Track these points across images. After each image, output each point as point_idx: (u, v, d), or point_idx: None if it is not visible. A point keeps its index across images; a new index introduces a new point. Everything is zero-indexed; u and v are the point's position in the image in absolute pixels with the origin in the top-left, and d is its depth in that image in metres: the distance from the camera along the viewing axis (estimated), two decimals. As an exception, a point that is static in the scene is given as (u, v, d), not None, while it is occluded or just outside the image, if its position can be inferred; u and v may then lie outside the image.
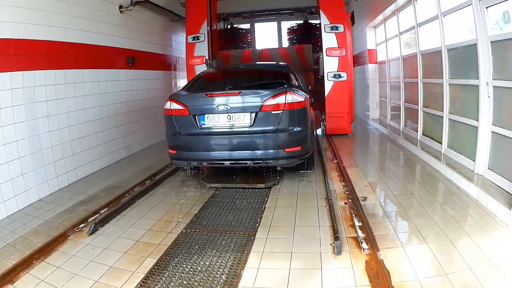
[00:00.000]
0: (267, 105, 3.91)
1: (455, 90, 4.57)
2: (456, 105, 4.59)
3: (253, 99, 3.98)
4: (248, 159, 4.00)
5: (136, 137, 6.58)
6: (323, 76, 7.24)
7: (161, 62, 7.84)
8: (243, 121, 3.97)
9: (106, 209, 3.64)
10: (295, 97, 4.02)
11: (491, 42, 3.49)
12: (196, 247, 2.74)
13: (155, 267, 2.46)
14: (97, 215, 3.48)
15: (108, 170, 5.42)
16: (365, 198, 3.52)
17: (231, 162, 4.08)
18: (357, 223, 2.94)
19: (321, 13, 7.04)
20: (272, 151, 3.95)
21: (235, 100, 3.99)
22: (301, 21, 10.05)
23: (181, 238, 2.92)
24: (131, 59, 6.33)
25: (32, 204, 3.99)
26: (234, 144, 4.06)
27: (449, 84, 4.66)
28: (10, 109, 3.82)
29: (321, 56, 7.47)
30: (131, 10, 6.22)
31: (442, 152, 4.84)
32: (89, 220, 3.36)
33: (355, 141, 6.93)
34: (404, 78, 6.75)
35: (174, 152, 4.22)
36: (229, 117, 4.00)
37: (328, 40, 7.01)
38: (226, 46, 9.39)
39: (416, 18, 5.72)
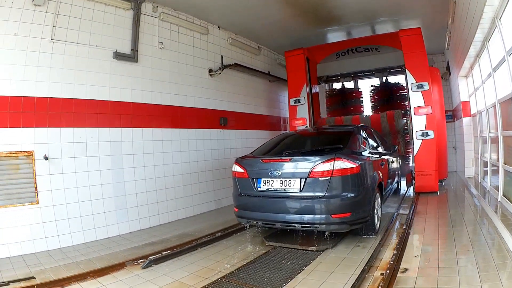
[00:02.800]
0: (314, 171, 4.36)
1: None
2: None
3: (302, 166, 4.48)
4: (296, 222, 4.45)
5: (228, 192, 7.37)
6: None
7: (257, 122, 9.05)
8: (294, 186, 4.48)
9: (168, 251, 4.47)
10: (346, 163, 4.36)
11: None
12: (219, 295, 3.24)
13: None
14: (158, 255, 4.32)
15: (192, 219, 6.52)
16: (405, 270, 3.59)
17: (282, 224, 4.60)
18: (376, 297, 3.00)
19: (407, 72, 7.80)
20: (319, 216, 4.32)
21: (287, 166, 4.57)
22: (383, 81, 10.57)
23: (211, 285, 3.46)
24: (223, 120, 7.62)
25: (110, 238, 5.33)
26: (284, 207, 4.55)
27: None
28: (97, 158, 5.29)
29: (408, 122, 8.49)
30: (220, 74, 7.59)
31: (517, 217, 4.58)
32: (149, 257, 4.22)
33: (439, 203, 7.03)
34: (489, 131, 6.50)
35: (237, 210, 5.00)
36: (281, 182, 4.58)
37: (415, 98, 7.70)
38: (336, 104, 10.77)
39: (491, 62, 5.52)
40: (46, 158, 4.85)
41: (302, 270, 3.81)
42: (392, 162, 6.72)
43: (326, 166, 4.31)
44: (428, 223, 5.44)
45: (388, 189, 6.21)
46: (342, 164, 4.32)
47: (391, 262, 3.76)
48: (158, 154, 6.20)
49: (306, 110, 8.84)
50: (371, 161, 5.09)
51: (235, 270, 3.86)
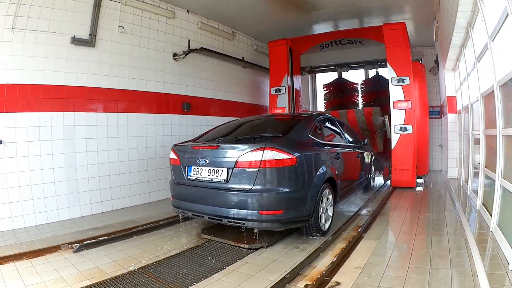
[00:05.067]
0: (241, 161, 4.16)
1: (510, 144, 3.90)
2: (509, 165, 3.91)
3: (229, 154, 4.29)
4: (223, 216, 4.30)
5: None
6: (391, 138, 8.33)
7: (227, 109, 9.26)
8: (220, 176, 4.34)
9: (105, 237, 4.74)
10: (279, 154, 4.10)
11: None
12: (127, 286, 3.36)
13: (83, 288, 3.32)
14: (93, 240, 4.61)
15: (146, 206, 6.80)
16: (336, 284, 3.26)
17: (209, 217, 4.50)
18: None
19: (388, 65, 8.13)
20: (245, 211, 4.12)
21: (214, 154, 4.42)
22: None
23: (126, 275, 3.62)
24: (186, 105, 7.77)
25: (61, 221, 5.68)
26: (211, 199, 4.44)
27: (502, 135, 4.03)
28: (50, 142, 5.57)
29: (386, 120, 8.86)
30: (184, 58, 7.74)
31: (491, 230, 4.24)
32: (84, 242, 4.52)
33: (411, 203, 6.85)
34: (473, 130, 6.31)
35: (172, 199, 4.99)
36: (209, 171, 4.45)
37: (395, 92, 8.05)
38: (335, 95, 11.85)
39: (475, 51, 5.30)
40: (0, 142, 5.18)
41: (224, 269, 3.76)
42: (358, 156, 6.66)
43: (255, 156, 4.10)
44: (390, 228, 5.20)
45: (348, 185, 6.04)
46: (274, 154, 4.09)
47: (324, 272, 3.51)
48: (113, 139, 6.46)
49: (286, 100, 9.39)
50: (320, 153, 4.87)
51: (155, 262, 3.96)
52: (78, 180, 6.00)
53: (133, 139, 6.80)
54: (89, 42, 6.10)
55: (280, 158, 4.11)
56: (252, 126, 5.49)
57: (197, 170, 4.59)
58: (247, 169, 4.14)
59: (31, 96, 5.46)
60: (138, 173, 6.91)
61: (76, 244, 4.48)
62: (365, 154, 7.39)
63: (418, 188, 8.31)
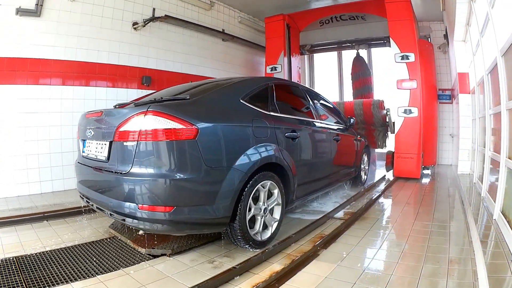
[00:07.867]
0: (120, 132, 3.23)
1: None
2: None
3: (110, 123, 3.40)
4: (104, 207, 3.47)
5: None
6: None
7: None
8: (103, 153, 3.47)
9: (16, 218, 4.83)
10: (166, 121, 3.07)
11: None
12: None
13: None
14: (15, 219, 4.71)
15: None
16: None
17: (96, 206, 3.65)
18: None
19: (392, 41, 7.86)
20: (121, 204, 3.17)
21: (99, 124, 3.60)
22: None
23: None
24: (146, 79, 7.48)
25: (7, 198, 5.88)
26: (94, 182, 3.69)
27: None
28: None
29: (388, 113, 8.52)
30: (144, 27, 7.46)
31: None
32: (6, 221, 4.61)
33: (410, 202, 6.05)
34: (490, 108, 5.15)
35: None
36: (96, 145, 3.62)
37: (399, 70, 7.76)
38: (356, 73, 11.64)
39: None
40: None
41: (91, 277, 3.14)
42: (336, 139, 5.55)
43: (134, 125, 3.14)
44: (364, 243, 3.97)
45: (318, 178, 5.13)
46: (160, 122, 3.05)
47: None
48: (55, 114, 6.47)
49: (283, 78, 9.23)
50: (256, 126, 3.81)
51: (37, 253, 3.70)
52: (27, 156, 6.22)
53: (79, 114, 6.65)
54: (35, 12, 6.09)
55: (169, 127, 3.06)
56: (196, 88, 4.33)
57: (90, 144, 3.79)
58: (124, 143, 3.20)
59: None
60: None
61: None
62: (352, 138, 6.42)
63: (423, 180, 7.95)
